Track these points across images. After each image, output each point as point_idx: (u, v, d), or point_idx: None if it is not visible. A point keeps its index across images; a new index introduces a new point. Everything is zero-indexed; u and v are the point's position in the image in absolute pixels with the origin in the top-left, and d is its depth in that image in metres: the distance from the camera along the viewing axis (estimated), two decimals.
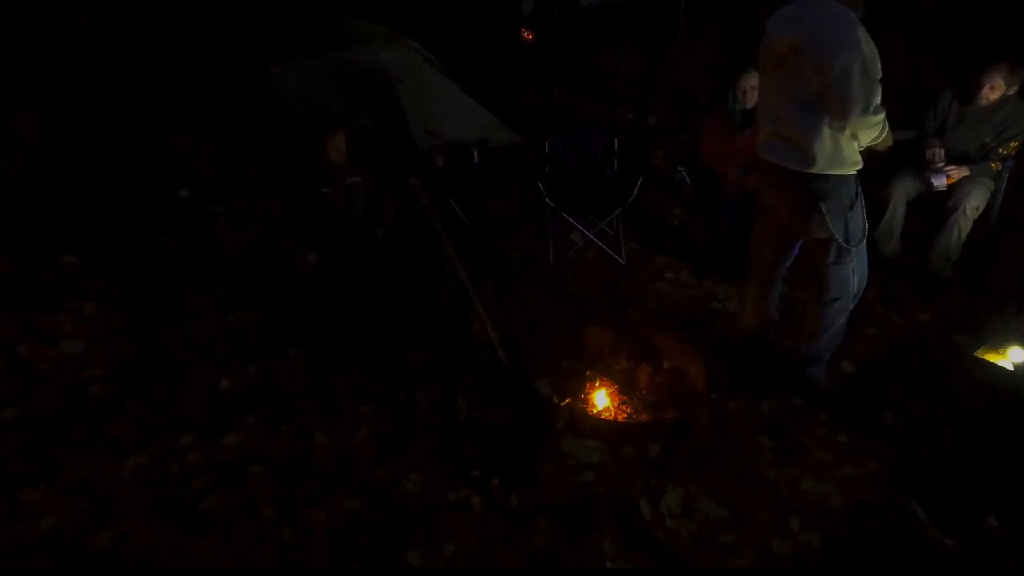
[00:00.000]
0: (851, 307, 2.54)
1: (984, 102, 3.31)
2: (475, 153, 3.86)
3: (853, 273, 2.45)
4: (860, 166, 2.34)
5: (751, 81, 3.37)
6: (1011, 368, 2.49)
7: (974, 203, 3.31)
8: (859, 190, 2.37)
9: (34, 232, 3.60)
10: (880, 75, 2.16)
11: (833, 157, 2.26)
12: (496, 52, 5.51)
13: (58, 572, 2.03)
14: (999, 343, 2.56)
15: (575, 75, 6.85)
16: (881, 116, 2.19)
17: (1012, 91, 3.28)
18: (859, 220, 2.38)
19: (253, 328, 3.15)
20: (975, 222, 3.38)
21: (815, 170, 2.29)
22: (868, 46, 2.12)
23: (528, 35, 7.11)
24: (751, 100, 3.40)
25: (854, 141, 2.25)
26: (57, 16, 4.64)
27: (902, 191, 3.52)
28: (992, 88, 3.25)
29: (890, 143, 2.37)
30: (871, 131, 2.21)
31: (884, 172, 3.75)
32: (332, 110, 4.62)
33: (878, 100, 2.17)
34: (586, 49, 7.28)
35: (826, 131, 2.22)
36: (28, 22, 4.47)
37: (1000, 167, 3.38)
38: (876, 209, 3.65)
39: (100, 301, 3.25)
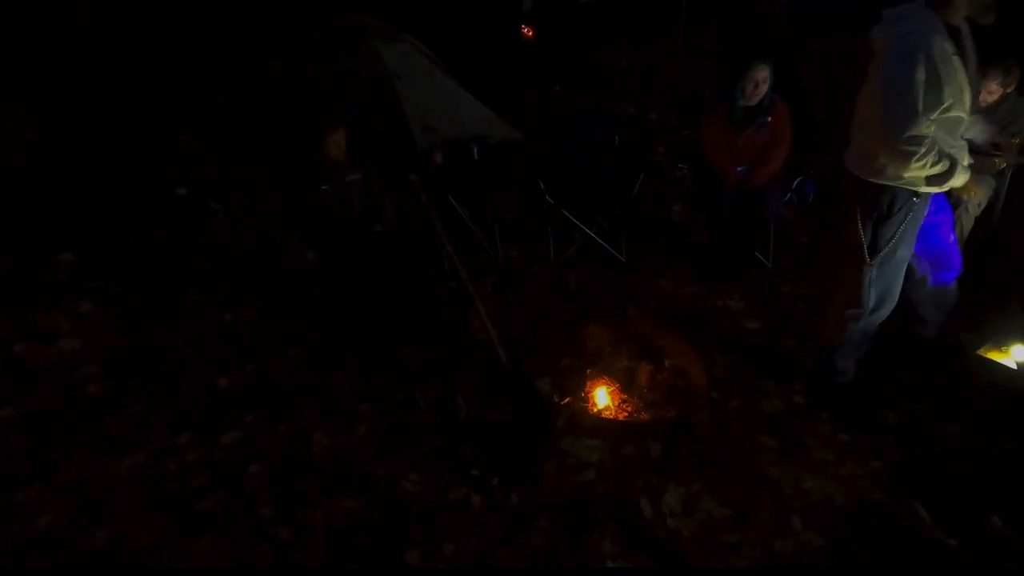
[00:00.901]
0: (865, 321, 2.47)
1: (983, 104, 3.29)
2: (475, 150, 3.84)
3: (871, 286, 2.39)
4: (915, 186, 2.23)
5: (761, 74, 3.33)
6: (1014, 366, 2.47)
7: (976, 200, 3.29)
8: (905, 208, 2.26)
9: (32, 230, 3.59)
10: (931, 109, 2.05)
11: (876, 168, 2.23)
12: (496, 49, 5.49)
13: (55, 572, 2.02)
14: (1002, 341, 2.54)
15: (575, 72, 6.82)
16: (916, 149, 2.07)
17: (1010, 89, 3.27)
18: (890, 236, 2.30)
19: (252, 327, 3.14)
20: (977, 219, 3.36)
21: (855, 171, 2.29)
22: (928, 74, 2.01)
23: (528, 32, 7.09)
24: (758, 95, 3.38)
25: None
26: (57, 16, 4.62)
27: None
28: (989, 93, 3.25)
29: (967, 191, 2.28)
30: (900, 161, 2.12)
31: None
32: (331, 107, 4.60)
33: (916, 132, 2.06)
34: (586, 46, 7.25)
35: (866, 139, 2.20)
36: (28, 22, 4.46)
37: (1004, 165, 3.36)
38: None
39: (98, 299, 3.24)
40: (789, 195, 3.69)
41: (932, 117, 2.07)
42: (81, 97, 4.47)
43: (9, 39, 4.44)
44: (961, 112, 2.14)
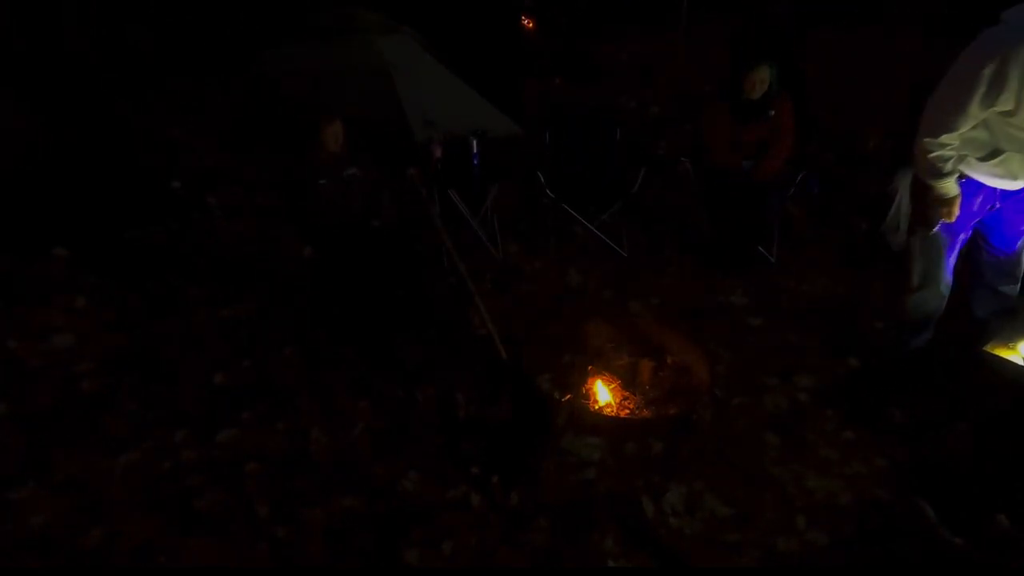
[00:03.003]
0: (912, 298, 2.54)
1: None
2: (475, 144, 3.80)
3: (913, 260, 2.48)
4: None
5: (760, 75, 3.31)
6: (1021, 363, 2.43)
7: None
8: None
9: (24, 225, 3.55)
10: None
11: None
12: (496, 41, 5.44)
13: (49, 571, 2.00)
14: (1009, 337, 2.50)
15: (576, 65, 6.77)
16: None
17: None
18: None
19: (248, 323, 3.10)
20: None
21: None
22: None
23: (528, 24, 7.03)
24: (759, 92, 3.34)
25: None
26: (53, 12, 4.58)
27: (907, 184, 3.45)
28: None
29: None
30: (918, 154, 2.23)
31: (889, 166, 3.70)
32: (329, 100, 4.56)
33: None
34: (587, 38, 7.20)
35: None
36: (25, 18, 4.42)
37: None
38: (882, 202, 3.60)
39: (91, 295, 3.21)
40: (792, 190, 3.66)
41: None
42: (74, 90, 4.43)
43: (4, 35, 4.39)
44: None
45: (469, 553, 2.03)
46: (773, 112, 3.42)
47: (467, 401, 2.60)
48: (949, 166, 2.18)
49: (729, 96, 3.48)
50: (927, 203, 2.29)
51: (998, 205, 2.31)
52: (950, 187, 2.22)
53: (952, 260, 2.46)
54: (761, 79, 3.32)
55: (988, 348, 2.45)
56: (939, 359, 2.69)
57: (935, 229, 2.33)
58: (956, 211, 2.27)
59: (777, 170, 3.48)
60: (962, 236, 2.40)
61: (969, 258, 2.58)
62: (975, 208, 2.32)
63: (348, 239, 3.09)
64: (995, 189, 2.26)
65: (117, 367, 2.79)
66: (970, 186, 2.26)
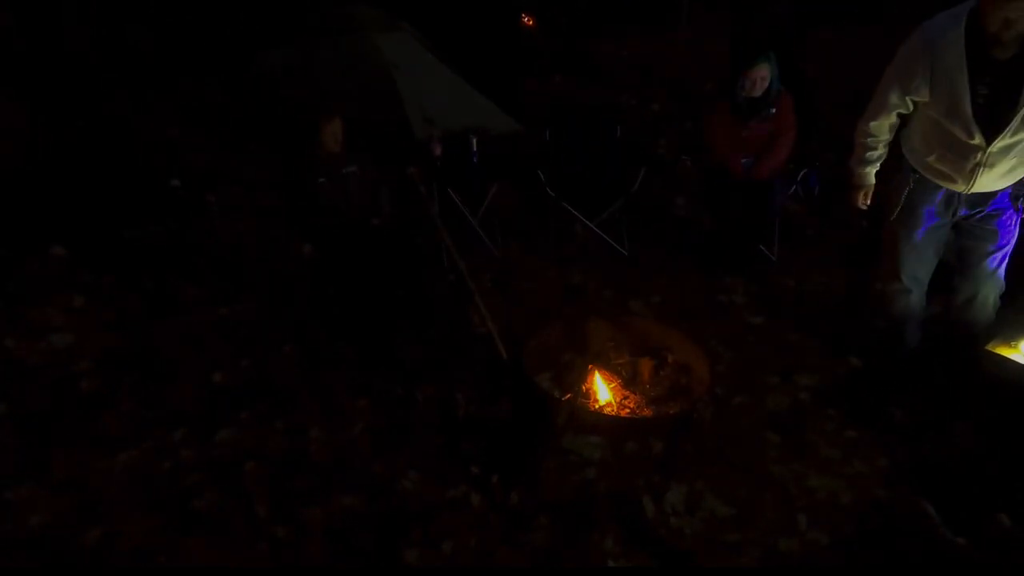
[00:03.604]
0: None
1: None
2: (474, 142, 3.79)
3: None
4: (916, 164, 2.34)
5: (760, 73, 3.30)
6: (1022, 362, 2.42)
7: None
8: (904, 181, 2.38)
9: (22, 223, 3.54)
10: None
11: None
12: (496, 38, 5.43)
13: (49, 571, 1.99)
14: (1011, 336, 2.50)
15: (576, 62, 6.76)
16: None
17: None
18: (893, 203, 2.42)
19: (247, 322, 3.10)
20: None
21: None
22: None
23: (528, 20, 7.01)
24: (759, 90, 3.33)
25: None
26: (51, 11, 4.58)
27: None
28: None
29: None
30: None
31: (889, 162, 3.69)
32: (328, 98, 4.55)
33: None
34: (587, 36, 7.19)
35: None
36: (25, 18, 4.42)
37: None
38: (883, 201, 3.59)
39: (90, 294, 3.20)
40: (794, 188, 3.65)
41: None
42: (72, 88, 4.42)
43: (4, 35, 4.39)
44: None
45: (469, 553, 2.02)
46: (774, 110, 3.41)
47: (467, 401, 2.60)
48: (872, 155, 2.37)
49: (730, 94, 3.47)
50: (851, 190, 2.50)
51: (961, 210, 2.31)
52: (864, 176, 2.43)
53: (918, 258, 2.46)
54: (761, 77, 3.31)
55: (988, 347, 2.44)
56: (939, 359, 2.68)
57: (903, 234, 2.40)
58: (865, 199, 2.49)
59: (778, 168, 3.48)
60: (924, 233, 2.40)
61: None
62: (937, 208, 2.34)
63: (348, 238, 3.09)
64: (955, 192, 2.28)
65: (116, 366, 2.78)
66: (927, 185, 2.31)
